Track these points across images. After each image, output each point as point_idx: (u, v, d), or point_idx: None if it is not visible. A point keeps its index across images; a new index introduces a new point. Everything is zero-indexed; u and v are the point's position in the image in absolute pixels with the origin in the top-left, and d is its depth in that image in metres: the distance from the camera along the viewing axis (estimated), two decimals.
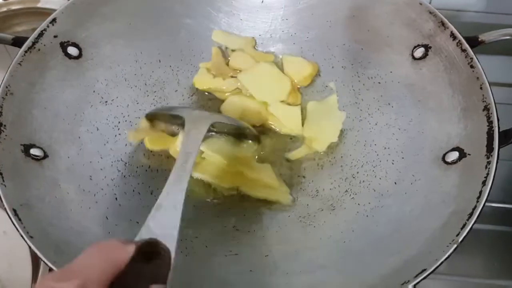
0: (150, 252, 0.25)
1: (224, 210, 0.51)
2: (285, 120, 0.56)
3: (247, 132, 0.53)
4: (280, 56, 0.59)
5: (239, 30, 0.60)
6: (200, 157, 0.53)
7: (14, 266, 0.53)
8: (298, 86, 0.58)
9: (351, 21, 0.57)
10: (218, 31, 0.59)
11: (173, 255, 0.26)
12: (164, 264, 0.25)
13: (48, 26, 0.51)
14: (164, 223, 0.27)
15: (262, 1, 0.59)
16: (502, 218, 0.57)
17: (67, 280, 0.21)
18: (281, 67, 0.58)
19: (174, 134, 0.55)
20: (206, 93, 0.58)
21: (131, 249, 0.24)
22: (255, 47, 0.60)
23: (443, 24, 0.51)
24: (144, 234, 0.26)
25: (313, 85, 0.58)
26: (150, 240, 0.26)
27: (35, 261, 0.53)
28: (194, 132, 0.43)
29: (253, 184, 0.52)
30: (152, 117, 0.54)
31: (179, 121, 0.52)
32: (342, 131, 0.54)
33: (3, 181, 0.43)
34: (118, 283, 0.22)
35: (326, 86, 0.58)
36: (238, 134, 0.54)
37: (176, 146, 0.53)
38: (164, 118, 0.54)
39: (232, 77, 0.58)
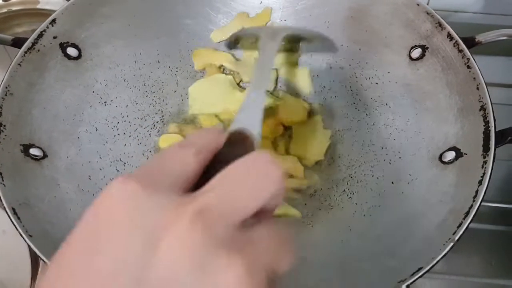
0: (238, 139, 0.29)
1: None
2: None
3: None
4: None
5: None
6: None
7: (13, 266, 0.53)
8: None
9: (349, 21, 0.57)
10: (217, 31, 0.60)
11: (258, 139, 0.30)
12: (251, 145, 0.29)
13: (47, 27, 0.51)
14: (249, 117, 0.31)
15: (261, 2, 0.60)
16: (499, 218, 0.57)
17: (187, 148, 0.25)
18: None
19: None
20: None
21: (225, 135, 0.28)
22: None
23: (440, 24, 0.51)
24: (234, 125, 0.30)
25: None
26: (238, 129, 0.30)
27: (35, 261, 0.53)
28: (269, 44, 0.45)
29: None
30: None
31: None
32: (334, 137, 0.56)
33: (3, 180, 0.44)
34: (218, 156, 0.27)
35: (324, 87, 0.58)
36: None
37: None
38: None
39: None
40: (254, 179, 0.23)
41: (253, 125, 0.30)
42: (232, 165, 0.24)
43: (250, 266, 0.20)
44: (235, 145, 0.29)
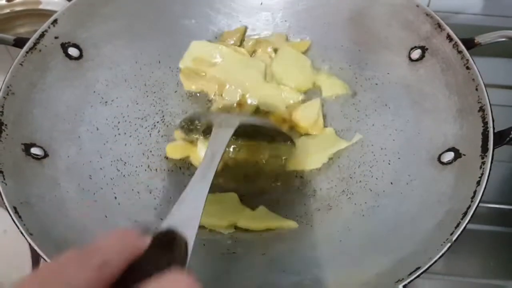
0: (168, 241, 0.26)
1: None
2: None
3: (277, 134, 0.54)
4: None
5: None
6: None
7: (14, 265, 0.53)
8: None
9: (349, 22, 0.58)
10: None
11: (191, 243, 0.26)
12: (181, 252, 0.26)
13: (49, 27, 0.51)
14: (186, 214, 0.28)
15: (261, 3, 0.60)
16: (497, 218, 0.57)
17: (90, 258, 0.22)
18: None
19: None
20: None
21: (147, 239, 0.24)
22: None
23: (439, 26, 0.51)
24: (166, 223, 0.27)
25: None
26: (168, 229, 0.26)
27: (35, 260, 0.53)
28: (222, 132, 0.44)
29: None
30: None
31: (201, 128, 0.54)
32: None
33: (4, 179, 0.44)
34: (135, 267, 0.23)
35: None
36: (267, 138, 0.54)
37: (196, 153, 0.54)
38: (186, 126, 0.55)
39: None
40: None
41: (189, 224, 0.27)
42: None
43: None
44: (164, 248, 0.25)
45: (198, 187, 0.32)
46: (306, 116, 0.56)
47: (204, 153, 0.40)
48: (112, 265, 0.22)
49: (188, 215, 0.28)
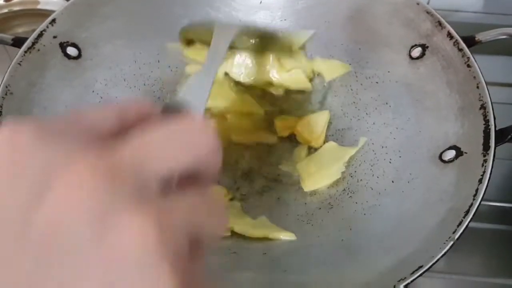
0: (177, 111, 0.25)
1: None
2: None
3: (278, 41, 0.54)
4: None
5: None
6: None
7: None
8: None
9: (349, 21, 0.57)
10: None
11: (199, 113, 0.27)
12: None
13: (47, 27, 0.51)
14: (193, 95, 0.29)
15: (261, 2, 0.60)
16: (500, 217, 0.57)
17: (107, 109, 0.21)
18: None
19: None
20: None
21: (158, 107, 0.24)
22: None
23: (440, 24, 0.51)
24: (174, 99, 0.28)
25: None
26: (177, 102, 0.27)
27: None
28: (224, 31, 0.44)
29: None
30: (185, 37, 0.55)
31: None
32: (335, 136, 0.56)
33: None
34: None
35: (324, 86, 0.58)
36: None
37: None
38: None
39: None
40: (181, 136, 0.20)
41: (197, 101, 0.28)
42: (160, 121, 0.20)
43: (161, 228, 0.17)
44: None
45: (204, 75, 0.33)
46: (311, 128, 0.55)
47: (209, 49, 0.41)
48: (129, 113, 0.22)
49: (197, 96, 0.29)
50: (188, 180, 0.20)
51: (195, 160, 0.20)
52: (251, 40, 0.55)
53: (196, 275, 0.20)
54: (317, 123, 0.55)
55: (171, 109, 0.25)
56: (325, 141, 0.55)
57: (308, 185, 0.52)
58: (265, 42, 0.55)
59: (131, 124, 0.21)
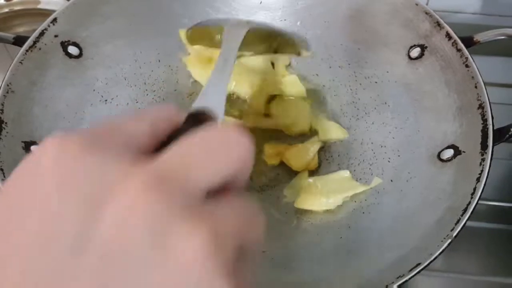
0: (200, 118, 0.27)
1: None
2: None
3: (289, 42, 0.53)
4: None
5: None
6: None
7: None
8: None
9: (348, 21, 0.58)
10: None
11: (221, 117, 0.28)
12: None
13: (49, 26, 0.51)
14: (212, 98, 0.29)
15: (261, 2, 0.60)
16: (497, 216, 0.57)
17: (139, 118, 0.22)
18: None
19: None
20: None
21: (184, 113, 0.25)
22: None
23: (438, 24, 0.51)
24: (196, 104, 0.28)
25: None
26: (199, 108, 0.27)
27: None
28: (234, 31, 0.44)
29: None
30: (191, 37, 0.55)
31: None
32: None
33: (4, 177, 0.44)
34: (172, 139, 0.24)
35: (323, 86, 0.58)
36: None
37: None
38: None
39: None
40: (220, 146, 0.21)
41: (216, 105, 0.28)
42: (197, 131, 0.21)
43: (217, 236, 0.18)
44: (197, 126, 0.26)
45: (218, 80, 0.33)
46: (299, 157, 0.53)
47: (220, 50, 0.40)
48: (160, 125, 0.22)
49: (214, 99, 0.29)
50: (223, 188, 0.21)
51: (234, 169, 0.20)
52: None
53: (245, 282, 0.21)
54: (307, 152, 0.53)
55: (195, 116, 0.27)
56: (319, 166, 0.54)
57: (301, 203, 0.51)
58: (273, 42, 0.55)
59: (162, 132, 0.22)
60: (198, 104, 0.28)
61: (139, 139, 0.21)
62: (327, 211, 0.51)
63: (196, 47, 0.57)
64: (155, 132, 0.22)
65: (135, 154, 0.20)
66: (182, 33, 0.57)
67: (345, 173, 0.52)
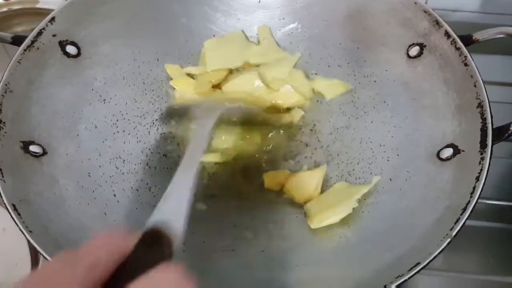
0: (155, 238, 0.26)
1: (221, 207, 0.52)
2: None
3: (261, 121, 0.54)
4: None
5: (236, 30, 0.60)
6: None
7: (13, 263, 0.53)
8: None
9: (347, 20, 0.58)
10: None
11: (178, 238, 0.27)
12: (169, 247, 0.26)
13: (47, 25, 0.51)
14: (172, 208, 0.28)
15: (259, 1, 0.60)
16: (497, 215, 0.57)
17: (79, 261, 0.22)
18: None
19: None
20: None
21: (134, 238, 0.25)
22: None
23: (437, 23, 0.51)
24: (152, 220, 0.27)
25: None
26: (154, 226, 0.27)
27: (34, 257, 0.53)
28: (203, 123, 0.44)
29: None
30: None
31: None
32: (333, 134, 0.56)
33: (3, 177, 0.44)
34: (123, 266, 0.24)
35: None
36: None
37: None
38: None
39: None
40: None
41: (176, 218, 0.27)
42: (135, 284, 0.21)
43: None
44: (151, 246, 0.26)
45: (183, 181, 0.32)
46: (302, 187, 0.51)
47: (189, 143, 0.40)
48: (102, 266, 0.23)
49: (176, 209, 0.28)
50: None
51: None
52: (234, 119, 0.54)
53: None
54: (309, 182, 0.52)
55: (152, 236, 0.26)
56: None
57: (315, 222, 0.49)
58: (250, 119, 0.55)
59: (105, 271, 0.23)
60: (156, 216, 0.27)
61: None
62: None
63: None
64: (95, 277, 0.22)
65: None
66: (168, 68, 0.58)
67: (343, 184, 0.52)
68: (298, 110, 0.56)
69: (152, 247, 0.26)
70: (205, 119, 0.44)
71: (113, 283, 0.23)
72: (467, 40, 0.50)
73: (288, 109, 0.57)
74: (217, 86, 0.57)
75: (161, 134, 0.56)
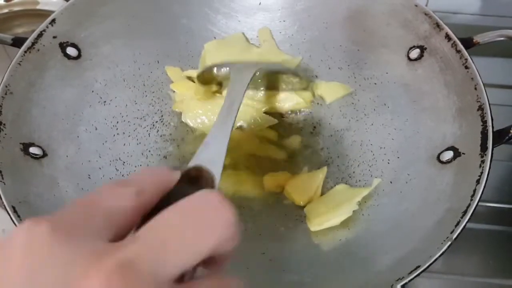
0: (195, 176, 0.28)
1: None
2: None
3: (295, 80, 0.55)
4: None
5: (236, 32, 0.60)
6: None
7: None
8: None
9: (347, 22, 0.58)
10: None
11: (218, 178, 0.28)
12: (210, 185, 0.28)
13: (47, 27, 0.51)
14: (211, 154, 0.30)
15: (260, 3, 0.60)
16: (497, 217, 0.57)
17: (126, 187, 0.22)
18: None
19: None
20: None
21: (177, 173, 0.25)
22: None
23: (438, 25, 0.51)
24: (193, 162, 0.29)
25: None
26: (195, 166, 0.28)
27: None
28: (239, 79, 0.45)
29: None
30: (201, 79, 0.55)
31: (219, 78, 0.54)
32: (333, 137, 0.56)
33: (3, 178, 0.44)
34: (166, 200, 0.24)
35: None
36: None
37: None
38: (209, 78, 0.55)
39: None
40: (196, 225, 0.20)
41: (214, 162, 0.29)
42: (171, 207, 0.21)
43: None
44: (193, 184, 0.27)
45: (221, 130, 0.34)
46: (302, 189, 0.51)
47: (225, 98, 0.41)
48: (147, 195, 0.23)
49: (213, 155, 0.30)
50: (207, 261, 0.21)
51: (215, 245, 0.21)
52: (259, 80, 0.55)
53: None
54: (309, 185, 0.52)
55: (189, 175, 0.27)
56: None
57: (315, 225, 0.49)
58: (275, 79, 0.55)
59: (151, 200, 0.23)
60: (196, 160, 0.29)
61: (118, 219, 0.21)
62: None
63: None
64: (142, 204, 0.22)
65: (115, 238, 0.20)
66: (169, 70, 0.58)
67: (343, 186, 0.52)
68: (296, 136, 0.56)
69: (194, 184, 0.27)
70: (241, 74, 0.46)
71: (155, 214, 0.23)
72: (468, 43, 0.50)
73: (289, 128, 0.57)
74: (217, 91, 0.57)
75: (161, 136, 0.56)
